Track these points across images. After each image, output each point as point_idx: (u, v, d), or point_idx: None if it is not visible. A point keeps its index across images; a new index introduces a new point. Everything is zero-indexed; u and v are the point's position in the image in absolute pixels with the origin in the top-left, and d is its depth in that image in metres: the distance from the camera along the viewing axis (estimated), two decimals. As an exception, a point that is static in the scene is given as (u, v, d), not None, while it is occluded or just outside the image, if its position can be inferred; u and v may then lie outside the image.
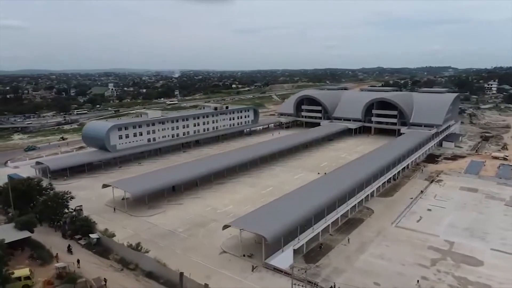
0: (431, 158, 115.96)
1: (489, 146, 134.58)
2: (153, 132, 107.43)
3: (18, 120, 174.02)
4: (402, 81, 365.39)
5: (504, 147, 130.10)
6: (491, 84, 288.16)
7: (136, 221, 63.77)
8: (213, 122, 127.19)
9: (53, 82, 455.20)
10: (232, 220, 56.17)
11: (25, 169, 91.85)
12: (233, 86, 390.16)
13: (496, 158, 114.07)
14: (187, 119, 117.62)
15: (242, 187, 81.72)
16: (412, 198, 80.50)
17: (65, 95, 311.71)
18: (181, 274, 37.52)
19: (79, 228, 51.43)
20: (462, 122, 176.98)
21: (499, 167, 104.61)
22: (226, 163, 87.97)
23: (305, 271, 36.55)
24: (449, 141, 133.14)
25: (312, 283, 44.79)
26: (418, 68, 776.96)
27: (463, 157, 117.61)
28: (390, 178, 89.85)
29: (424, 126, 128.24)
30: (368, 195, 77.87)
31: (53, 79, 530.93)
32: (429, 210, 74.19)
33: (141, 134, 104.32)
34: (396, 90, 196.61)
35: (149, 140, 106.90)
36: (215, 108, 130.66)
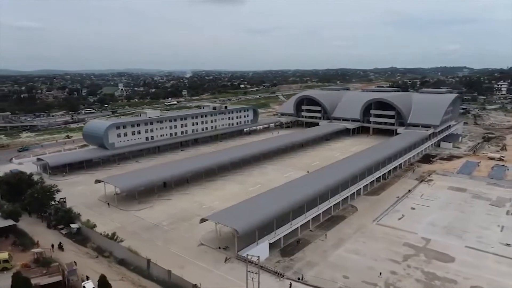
0: (427, 158, 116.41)
1: (488, 147, 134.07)
2: (151, 130, 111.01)
3: (28, 119, 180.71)
4: (410, 82, 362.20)
5: (503, 148, 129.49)
6: (501, 85, 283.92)
7: (124, 215, 67.02)
8: (211, 121, 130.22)
9: (67, 82, 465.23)
10: (214, 214, 58.64)
11: (28, 165, 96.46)
12: (241, 86, 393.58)
13: (492, 158, 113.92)
14: (185, 119, 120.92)
15: (231, 184, 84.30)
16: (398, 197, 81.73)
17: (76, 95, 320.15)
18: (148, 261, 40.31)
19: (61, 218, 54.99)
20: (466, 123, 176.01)
21: (492, 167, 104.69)
22: (217, 161, 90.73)
23: (258, 258, 38.81)
24: (447, 141, 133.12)
25: (278, 273, 47.26)
26: (433, 68, 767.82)
27: (460, 157, 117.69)
28: (379, 177, 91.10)
29: (422, 127, 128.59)
30: (354, 193, 79.34)
31: (68, 79, 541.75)
32: (413, 208, 75.34)
33: (139, 132, 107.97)
34: (404, 91, 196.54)
35: (147, 138, 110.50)
36: (214, 108, 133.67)
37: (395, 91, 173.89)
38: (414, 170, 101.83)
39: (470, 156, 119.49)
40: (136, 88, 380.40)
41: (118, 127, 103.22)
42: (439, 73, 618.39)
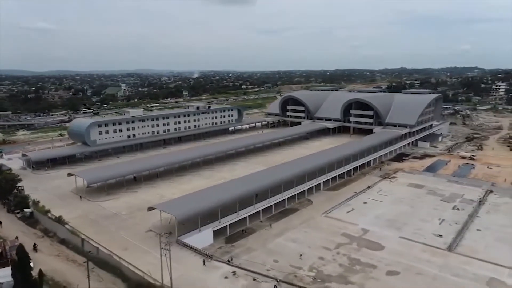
0: (400, 157, 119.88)
1: (466, 146, 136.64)
2: (133, 129, 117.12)
3: (28, 118, 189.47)
4: (410, 82, 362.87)
5: (479, 148, 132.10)
6: (499, 85, 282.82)
7: (90, 205, 72.98)
8: (194, 120, 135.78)
9: (76, 83, 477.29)
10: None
11: (16, 160, 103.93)
12: (243, 86, 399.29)
13: (464, 158, 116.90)
14: (167, 118, 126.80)
15: (198, 179, 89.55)
16: (356, 192, 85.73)
17: (82, 95, 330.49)
18: (82, 240, 45.84)
19: (17, 204, 61.33)
20: (453, 123, 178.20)
21: (459, 166, 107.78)
22: (189, 157, 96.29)
23: (167, 237, 43.99)
24: (425, 141, 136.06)
25: (207, 255, 52.42)
26: (443, 69, 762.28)
27: (432, 156, 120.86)
28: (344, 174, 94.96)
29: (399, 126, 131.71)
30: (313, 188, 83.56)
31: (78, 79, 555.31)
32: (365, 203, 79.23)
33: (120, 130, 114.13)
34: (398, 91, 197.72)
35: (129, 136, 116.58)
36: (197, 108, 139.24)
37: (381, 91, 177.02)
38: (381, 168, 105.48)
39: (443, 155, 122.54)
40: (140, 89, 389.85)
41: (99, 125, 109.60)
42: (448, 74, 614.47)
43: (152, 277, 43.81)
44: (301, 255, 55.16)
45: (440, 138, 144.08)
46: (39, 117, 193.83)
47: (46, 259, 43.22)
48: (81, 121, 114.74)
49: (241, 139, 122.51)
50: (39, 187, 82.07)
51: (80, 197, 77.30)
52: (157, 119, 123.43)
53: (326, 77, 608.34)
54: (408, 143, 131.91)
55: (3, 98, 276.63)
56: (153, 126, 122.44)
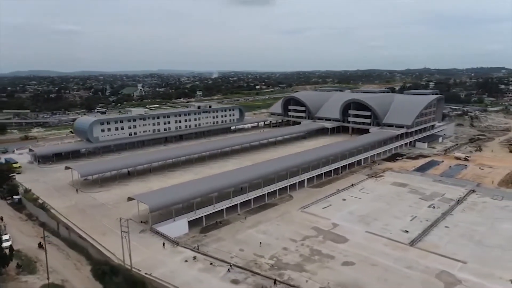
0: (394, 157, 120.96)
1: (465, 148, 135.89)
2: (134, 127, 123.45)
3: (45, 116, 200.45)
4: (424, 83, 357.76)
5: (478, 149, 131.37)
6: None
7: (82, 196, 78.92)
8: (195, 119, 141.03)
9: (99, 83, 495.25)
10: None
11: (25, 155, 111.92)
12: (257, 87, 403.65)
13: (458, 158, 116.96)
14: (168, 117, 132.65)
15: (188, 175, 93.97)
16: (338, 189, 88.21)
17: (100, 95, 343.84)
18: (58, 223, 51.23)
19: (8, 191, 68.00)
20: (461, 124, 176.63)
21: (450, 166, 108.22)
22: (182, 153, 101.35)
23: (127, 222, 48.58)
24: (422, 141, 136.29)
25: (174, 242, 56.95)
26: (468, 69, 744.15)
27: (427, 157, 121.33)
28: (330, 172, 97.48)
29: (396, 126, 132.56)
30: (296, 184, 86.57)
31: (100, 80, 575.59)
32: (344, 200, 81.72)
33: (122, 128, 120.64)
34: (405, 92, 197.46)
35: (130, 134, 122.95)
36: (198, 107, 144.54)
37: (385, 92, 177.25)
38: (371, 167, 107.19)
39: (439, 156, 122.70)
40: (158, 89, 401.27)
41: (102, 123, 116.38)
42: (472, 74, 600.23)
43: (116, 256, 48.60)
44: (260, 243, 58.77)
45: (440, 139, 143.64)
46: (55, 116, 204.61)
47: (25, 239, 48.70)
48: (85, 119, 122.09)
49: (237, 137, 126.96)
50: (40, 179, 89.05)
51: (76, 189, 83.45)
52: (158, 117, 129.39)
53: (345, 77, 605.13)
54: (406, 144, 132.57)
55: (27, 98, 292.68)
56: (154, 124, 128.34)
